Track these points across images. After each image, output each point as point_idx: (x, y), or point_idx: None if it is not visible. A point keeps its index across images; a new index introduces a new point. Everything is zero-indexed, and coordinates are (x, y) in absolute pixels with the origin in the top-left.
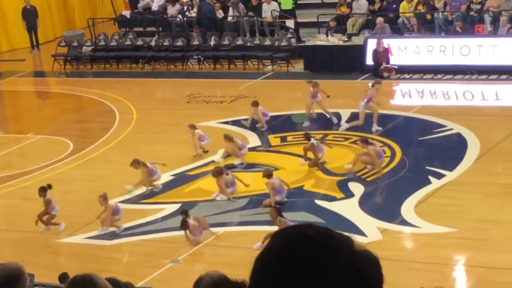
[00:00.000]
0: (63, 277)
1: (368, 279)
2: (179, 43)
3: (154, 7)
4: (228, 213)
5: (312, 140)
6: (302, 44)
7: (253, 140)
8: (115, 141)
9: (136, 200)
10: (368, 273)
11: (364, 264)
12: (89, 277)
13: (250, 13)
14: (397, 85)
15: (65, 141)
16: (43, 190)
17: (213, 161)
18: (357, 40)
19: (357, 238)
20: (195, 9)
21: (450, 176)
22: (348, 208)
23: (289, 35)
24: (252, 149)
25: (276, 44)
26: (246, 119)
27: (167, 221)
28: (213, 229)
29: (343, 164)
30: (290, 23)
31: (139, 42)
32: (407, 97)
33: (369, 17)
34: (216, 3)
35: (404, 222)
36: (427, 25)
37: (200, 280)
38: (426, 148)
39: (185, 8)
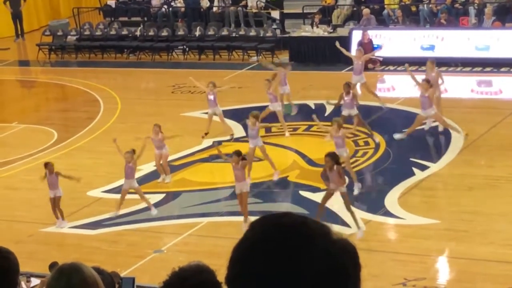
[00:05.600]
0: (53, 266)
1: (344, 268)
2: (164, 33)
3: None
4: (212, 203)
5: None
6: (287, 35)
7: (238, 131)
8: (100, 130)
9: (120, 190)
10: (344, 262)
11: (341, 253)
12: (76, 266)
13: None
14: (382, 77)
15: (49, 131)
16: (51, 165)
17: (195, 152)
18: (342, 32)
19: (335, 227)
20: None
21: (433, 168)
22: (332, 199)
23: (274, 26)
24: (236, 140)
25: (261, 35)
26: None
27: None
28: (197, 219)
29: None
30: (275, 14)
31: (124, 32)
32: (392, 89)
33: (354, 9)
34: None
35: (388, 214)
36: (412, 17)
37: (181, 270)
38: (410, 140)
39: None
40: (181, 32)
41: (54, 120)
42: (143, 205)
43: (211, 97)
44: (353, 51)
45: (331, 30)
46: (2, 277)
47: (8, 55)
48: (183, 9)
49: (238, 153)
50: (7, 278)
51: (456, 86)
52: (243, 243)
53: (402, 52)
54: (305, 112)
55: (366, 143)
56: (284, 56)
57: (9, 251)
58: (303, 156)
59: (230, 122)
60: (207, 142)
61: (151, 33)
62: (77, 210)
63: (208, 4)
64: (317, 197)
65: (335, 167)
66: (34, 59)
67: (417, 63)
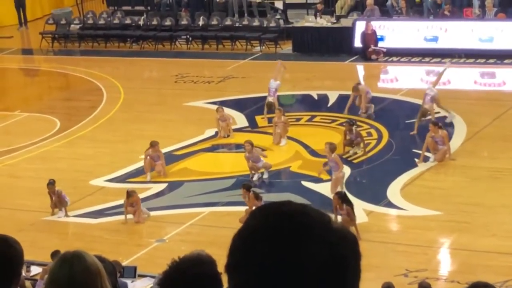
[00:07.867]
0: (55, 254)
1: (344, 257)
2: (168, 22)
3: None
4: (214, 193)
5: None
6: (290, 26)
7: (241, 121)
8: (102, 119)
9: (123, 179)
10: (344, 251)
11: (340, 242)
12: (78, 254)
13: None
14: (385, 68)
15: (52, 119)
16: (52, 184)
17: (198, 142)
18: (345, 22)
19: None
20: None
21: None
22: None
23: (278, 16)
24: (238, 130)
25: (265, 25)
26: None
27: (153, 200)
28: (199, 209)
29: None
30: (278, 4)
31: (127, 21)
32: (395, 80)
33: None
34: None
35: (390, 205)
36: (416, 8)
37: (181, 261)
38: (413, 131)
39: None
40: (184, 22)
41: (57, 108)
42: (145, 194)
43: (222, 120)
44: (357, 41)
45: (335, 21)
46: (6, 266)
47: (11, 43)
48: None
49: (247, 186)
50: (11, 267)
51: (460, 78)
52: (243, 231)
53: (406, 43)
54: (308, 103)
55: (369, 134)
56: (287, 47)
57: (16, 241)
58: (305, 146)
59: (232, 112)
60: (210, 132)
61: (154, 22)
62: (80, 199)
63: None
64: (319, 187)
65: (344, 206)
66: (37, 48)
67: (421, 54)
